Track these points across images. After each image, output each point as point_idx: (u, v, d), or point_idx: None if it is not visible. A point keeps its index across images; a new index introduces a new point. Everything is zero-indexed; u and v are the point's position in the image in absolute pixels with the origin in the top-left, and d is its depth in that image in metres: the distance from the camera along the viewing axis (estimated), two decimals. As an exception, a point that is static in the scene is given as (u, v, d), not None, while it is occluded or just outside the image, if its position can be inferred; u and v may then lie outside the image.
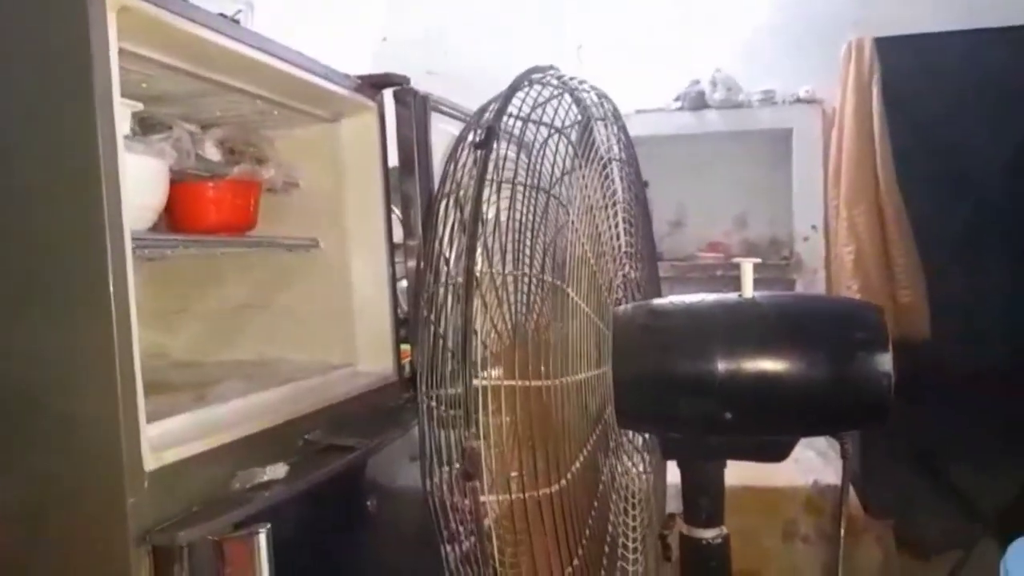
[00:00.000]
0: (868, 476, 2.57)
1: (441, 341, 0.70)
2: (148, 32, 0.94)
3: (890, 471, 2.58)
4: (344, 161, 1.45)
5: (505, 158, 0.76)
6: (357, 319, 1.45)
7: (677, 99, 2.90)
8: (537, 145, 0.86)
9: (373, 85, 1.42)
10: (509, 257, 0.74)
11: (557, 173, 0.82)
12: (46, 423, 0.86)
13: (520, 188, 0.77)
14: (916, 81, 2.55)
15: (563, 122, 0.91)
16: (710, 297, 0.98)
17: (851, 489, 2.28)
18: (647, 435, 1.04)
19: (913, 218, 2.63)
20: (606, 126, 1.05)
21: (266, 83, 1.20)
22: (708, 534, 0.99)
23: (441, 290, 0.72)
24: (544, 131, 0.89)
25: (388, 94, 1.45)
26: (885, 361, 0.89)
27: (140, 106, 1.05)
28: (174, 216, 1.21)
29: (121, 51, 0.93)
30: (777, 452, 0.98)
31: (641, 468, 1.01)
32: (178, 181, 1.19)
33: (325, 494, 1.05)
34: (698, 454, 0.98)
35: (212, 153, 1.22)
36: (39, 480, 0.86)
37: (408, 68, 1.48)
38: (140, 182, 1.04)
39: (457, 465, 0.68)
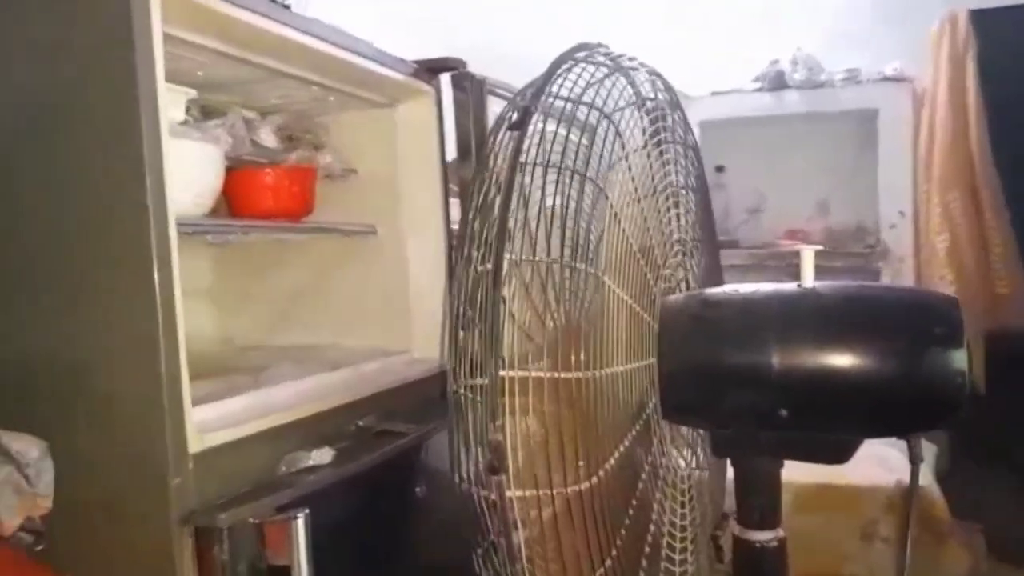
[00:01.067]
0: (955, 476, 2.44)
1: (470, 329, 0.68)
2: (196, 18, 0.95)
3: (980, 470, 2.43)
4: (401, 146, 1.44)
5: (542, 139, 0.73)
6: (414, 306, 1.44)
7: (756, 80, 2.78)
8: (579, 129, 0.82)
9: (429, 69, 1.41)
10: (541, 244, 0.71)
11: (605, 159, 0.78)
12: (94, 404, 0.88)
13: (555, 172, 0.73)
14: (1015, 56, 2.38)
15: (615, 104, 0.87)
16: (767, 287, 0.93)
17: (938, 490, 2.16)
18: (699, 431, 0.99)
19: (1011, 203, 2.46)
20: (657, 107, 1.00)
21: (318, 68, 1.20)
22: (762, 536, 0.94)
23: (470, 275, 0.70)
24: (594, 114, 0.86)
25: (445, 79, 1.44)
26: (959, 358, 0.82)
27: (194, 93, 1.06)
28: (232, 202, 1.23)
29: (172, 38, 0.95)
30: (838, 453, 0.92)
31: (692, 464, 0.97)
32: (235, 167, 1.20)
33: (373, 479, 1.04)
34: (751, 451, 0.92)
35: (269, 140, 1.23)
36: (86, 459, 0.89)
37: (474, 52, 1.47)
38: (195, 167, 1.06)
39: (483, 459, 0.66)
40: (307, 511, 0.86)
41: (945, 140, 2.50)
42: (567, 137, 0.84)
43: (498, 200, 0.70)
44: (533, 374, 0.65)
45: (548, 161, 0.72)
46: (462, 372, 0.69)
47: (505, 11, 3.06)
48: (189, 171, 1.04)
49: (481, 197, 0.72)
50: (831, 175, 2.82)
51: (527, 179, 0.73)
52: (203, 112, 1.21)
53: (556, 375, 0.67)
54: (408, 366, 1.37)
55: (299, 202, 1.27)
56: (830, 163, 2.82)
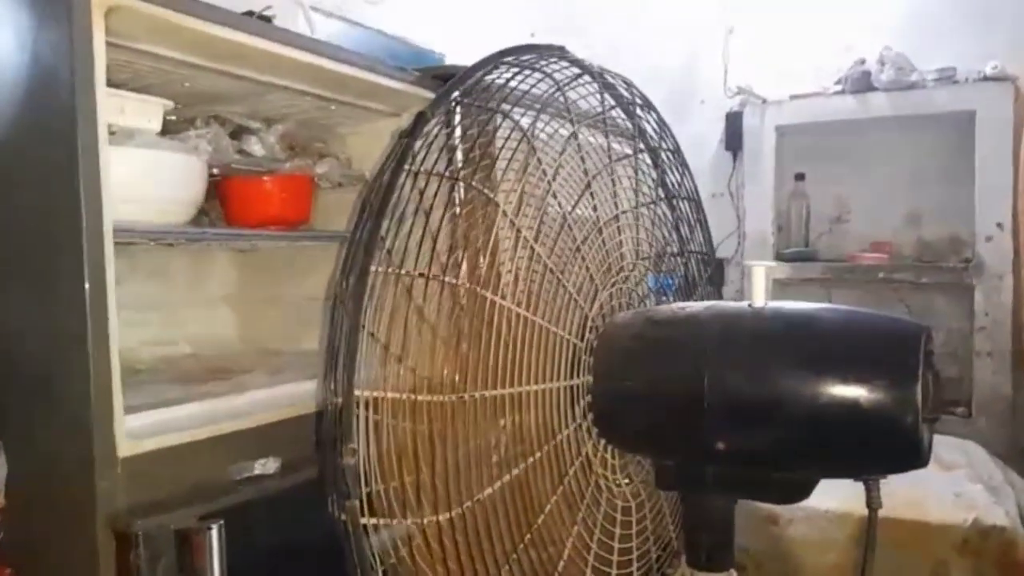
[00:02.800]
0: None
1: (338, 339, 0.65)
2: (154, 30, 0.97)
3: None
4: (408, 155, 1.43)
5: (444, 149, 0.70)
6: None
7: (838, 82, 2.60)
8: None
9: (435, 77, 1.39)
10: (425, 259, 0.68)
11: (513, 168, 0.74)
12: (34, 404, 0.92)
13: (446, 182, 0.70)
14: None
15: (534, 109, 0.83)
16: (713, 304, 0.86)
17: (1023, 533, 1.94)
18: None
19: None
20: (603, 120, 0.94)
21: (308, 80, 1.21)
22: (711, 578, 0.87)
23: (346, 283, 0.67)
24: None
25: (452, 86, 1.42)
26: (911, 393, 0.72)
27: (169, 104, 1.09)
28: (224, 210, 1.26)
29: (136, 50, 0.97)
30: (791, 492, 0.83)
31: (627, 492, 0.90)
32: (226, 176, 1.23)
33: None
34: (694, 486, 0.85)
35: (256, 149, 1.25)
36: (30, 457, 0.92)
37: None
38: (168, 176, 1.08)
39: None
40: (221, 522, 0.86)
41: (1051, 145, 2.26)
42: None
43: (374, 207, 0.67)
44: (390, 395, 0.62)
45: (433, 169, 0.69)
46: (331, 391, 0.67)
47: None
48: (163, 180, 1.07)
49: (366, 203, 0.70)
50: (922, 183, 2.60)
51: (429, 189, 0.70)
52: (207, 124, 1.24)
53: (416, 398, 0.63)
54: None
55: (291, 210, 1.29)
56: (921, 170, 2.60)
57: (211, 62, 1.08)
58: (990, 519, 1.95)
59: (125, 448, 0.88)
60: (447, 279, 0.68)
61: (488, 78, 0.79)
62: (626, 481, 0.88)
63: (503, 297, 0.70)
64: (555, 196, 0.79)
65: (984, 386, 2.40)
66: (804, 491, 0.81)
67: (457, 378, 0.64)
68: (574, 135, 0.83)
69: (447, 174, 0.70)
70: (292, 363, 1.36)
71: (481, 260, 0.70)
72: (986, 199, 2.41)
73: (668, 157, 1.01)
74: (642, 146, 0.96)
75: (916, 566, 1.96)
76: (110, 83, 0.93)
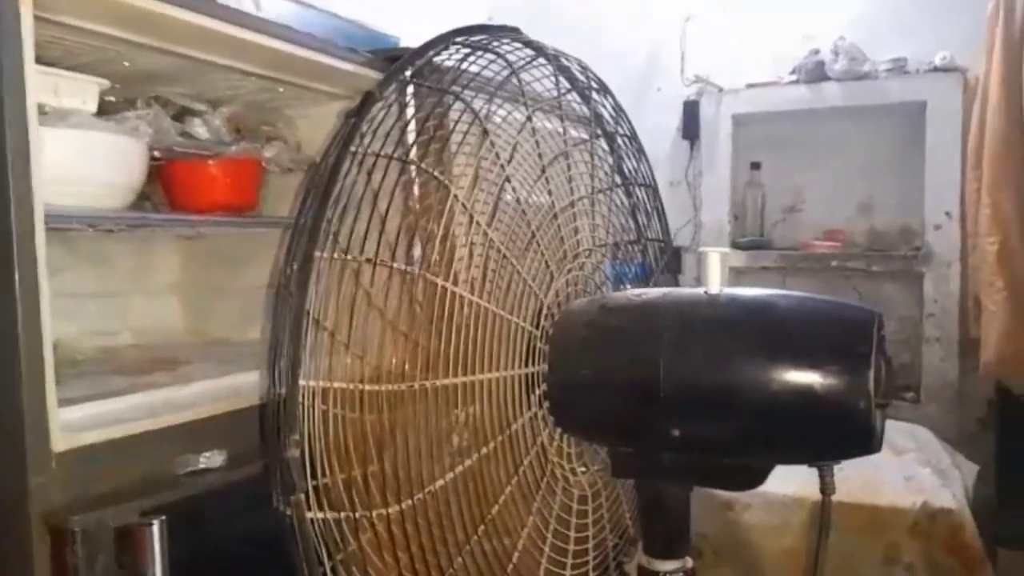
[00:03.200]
0: (1008, 500, 2.25)
1: (283, 328, 0.63)
2: (80, 2, 0.92)
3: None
4: (361, 139, 1.40)
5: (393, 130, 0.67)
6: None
7: (793, 72, 2.63)
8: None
9: (388, 59, 1.36)
10: (373, 245, 0.65)
11: (453, 149, 0.72)
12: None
13: (395, 163, 0.67)
14: (1073, 42, 2.16)
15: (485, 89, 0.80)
16: (669, 291, 0.85)
17: (969, 514, 1.98)
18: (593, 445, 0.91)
19: (1071, 205, 2.24)
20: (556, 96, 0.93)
21: (251, 59, 1.16)
22: (667, 567, 0.86)
23: (290, 270, 0.65)
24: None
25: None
26: (863, 379, 0.72)
27: (106, 83, 1.05)
28: (166, 195, 1.21)
29: (70, 26, 0.93)
30: (746, 478, 0.83)
31: (584, 482, 0.89)
32: (168, 160, 1.18)
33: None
34: (650, 474, 0.84)
35: (201, 131, 1.21)
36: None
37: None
38: (105, 159, 1.04)
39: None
40: (163, 519, 0.82)
41: (997, 135, 2.29)
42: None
43: (318, 190, 0.64)
44: (336, 385, 0.60)
45: (381, 151, 0.66)
46: (274, 381, 0.64)
47: None
48: (98, 162, 1.03)
49: (309, 186, 0.67)
50: (874, 173, 2.64)
51: (378, 173, 0.68)
52: (146, 104, 1.19)
53: (370, 387, 0.61)
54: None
55: (236, 195, 1.25)
56: (873, 160, 2.64)
57: (148, 39, 1.04)
58: (938, 502, 1.99)
59: (60, 442, 0.84)
60: (396, 265, 0.66)
61: (439, 59, 0.76)
62: (582, 470, 0.87)
63: (455, 284, 0.67)
64: (509, 181, 0.77)
65: (933, 372, 2.45)
66: (759, 478, 0.81)
67: (408, 367, 0.62)
68: (529, 119, 0.81)
69: (395, 156, 0.67)
70: (239, 353, 1.32)
71: (433, 246, 0.68)
72: (935, 189, 2.45)
73: (624, 143, 1.00)
74: (599, 131, 0.94)
75: (869, 549, 1.99)
76: (41, 60, 0.89)
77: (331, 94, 1.37)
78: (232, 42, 1.08)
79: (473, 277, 0.69)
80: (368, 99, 0.69)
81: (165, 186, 1.21)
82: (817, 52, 2.59)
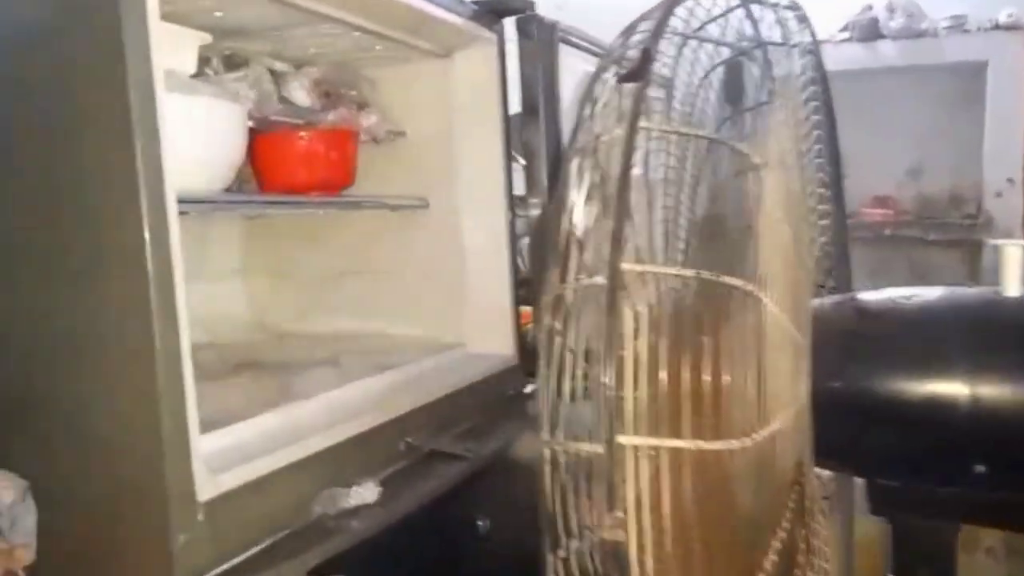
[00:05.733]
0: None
1: (570, 370, 0.48)
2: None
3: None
4: (458, 104, 1.23)
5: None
6: (469, 291, 1.24)
7: (844, 28, 2.49)
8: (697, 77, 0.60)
9: (491, 12, 1.18)
10: (660, 244, 0.50)
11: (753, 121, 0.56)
12: (78, 432, 0.70)
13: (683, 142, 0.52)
14: None
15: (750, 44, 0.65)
16: (949, 292, 0.71)
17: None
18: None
19: None
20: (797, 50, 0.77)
21: (361, 8, 0.99)
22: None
23: (571, 293, 0.49)
24: (706, 58, 0.64)
25: (510, 23, 1.21)
26: None
27: (208, 37, 0.86)
28: (259, 171, 1.03)
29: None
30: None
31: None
32: (262, 130, 1.00)
33: (425, 516, 0.85)
34: (924, 513, 0.71)
35: (301, 97, 1.03)
36: (71, 501, 0.71)
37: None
38: (209, 130, 0.86)
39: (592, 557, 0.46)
40: (343, 578, 0.67)
41: (1066, 97, 2.20)
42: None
43: (611, 182, 0.49)
44: (668, 443, 0.45)
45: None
46: (557, 424, 0.49)
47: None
48: (201, 134, 0.85)
49: (580, 177, 0.51)
50: (926, 136, 2.52)
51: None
52: (227, 64, 1.01)
53: (702, 445, 0.46)
54: (463, 364, 1.18)
55: (338, 171, 1.07)
56: (926, 122, 2.52)
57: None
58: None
59: (207, 488, 0.68)
60: (713, 276, 0.49)
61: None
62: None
63: (765, 293, 0.53)
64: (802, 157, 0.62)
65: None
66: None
67: (747, 417, 0.47)
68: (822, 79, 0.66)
69: (701, 134, 0.52)
70: (326, 352, 1.16)
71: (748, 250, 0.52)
72: (995, 154, 2.35)
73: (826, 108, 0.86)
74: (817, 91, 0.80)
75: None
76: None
77: (425, 52, 1.20)
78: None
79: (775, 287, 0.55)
80: (646, 58, 0.53)
81: (255, 160, 1.02)
82: (871, 8, 2.45)
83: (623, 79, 0.53)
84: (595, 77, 0.59)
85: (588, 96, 0.58)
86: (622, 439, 0.45)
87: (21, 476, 0.71)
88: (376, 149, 1.24)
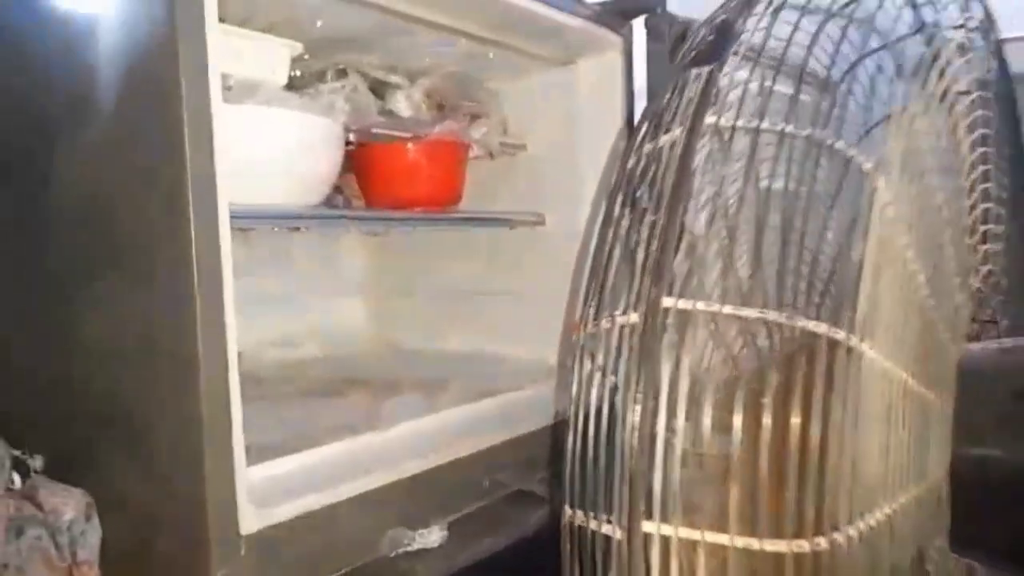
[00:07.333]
0: None
1: (593, 437, 0.38)
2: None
3: None
4: (580, 115, 1.15)
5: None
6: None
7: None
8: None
9: (618, 12, 1.09)
10: (736, 283, 0.39)
11: (864, 116, 0.44)
12: (125, 449, 0.69)
13: (775, 140, 0.40)
14: None
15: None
16: None
17: None
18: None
19: None
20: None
21: (463, 12, 0.93)
22: None
23: (606, 333, 0.39)
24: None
25: (638, 25, 1.12)
26: None
27: (299, 47, 0.84)
28: (360, 185, 1.00)
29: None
30: None
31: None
32: (363, 142, 0.97)
33: (499, 565, 0.77)
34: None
35: (403, 107, 0.99)
36: (120, 523, 0.70)
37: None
38: (300, 144, 0.83)
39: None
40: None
41: None
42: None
43: (661, 197, 0.38)
44: (710, 538, 0.34)
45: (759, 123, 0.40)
46: (580, 499, 0.40)
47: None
48: (290, 148, 0.82)
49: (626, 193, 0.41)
50: None
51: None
52: (332, 76, 0.99)
53: (756, 545, 0.35)
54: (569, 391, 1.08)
55: (443, 187, 1.02)
56: None
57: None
58: None
59: (251, 520, 0.64)
60: (806, 323, 0.38)
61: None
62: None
63: (870, 348, 0.40)
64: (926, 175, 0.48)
65: None
66: None
67: (810, 510, 0.35)
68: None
69: (789, 130, 0.40)
70: (440, 372, 1.11)
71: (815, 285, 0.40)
72: None
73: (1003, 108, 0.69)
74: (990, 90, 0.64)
75: None
76: (221, 19, 0.68)
77: (544, 60, 1.13)
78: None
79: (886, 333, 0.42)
80: (723, 36, 0.42)
81: (359, 174, 1.00)
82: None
83: (692, 62, 0.43)
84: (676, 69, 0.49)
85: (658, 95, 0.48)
86: (648, 526, 0.35)
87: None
88: (495, 164, 1.19)
